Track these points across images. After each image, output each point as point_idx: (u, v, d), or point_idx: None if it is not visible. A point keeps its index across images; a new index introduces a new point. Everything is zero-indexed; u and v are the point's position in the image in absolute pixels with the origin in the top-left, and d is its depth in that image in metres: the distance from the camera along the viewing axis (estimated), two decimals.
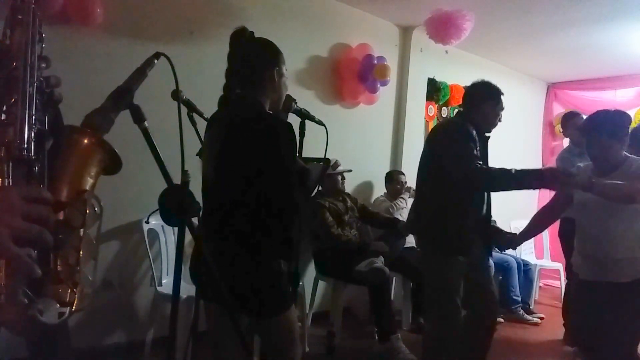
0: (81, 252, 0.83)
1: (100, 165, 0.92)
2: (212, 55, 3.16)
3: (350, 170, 3.82)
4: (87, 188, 0.88)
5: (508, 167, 2.32)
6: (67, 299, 0.79)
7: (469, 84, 2.71)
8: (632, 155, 2.29)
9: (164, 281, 3.01)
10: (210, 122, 1.80)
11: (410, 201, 4.30)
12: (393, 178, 4.30)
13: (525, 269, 4.75)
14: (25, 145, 0.72)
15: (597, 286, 2.27)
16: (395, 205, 4.11)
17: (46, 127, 0.78)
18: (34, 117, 0.74)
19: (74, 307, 0.80)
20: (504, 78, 5.48)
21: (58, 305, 0.76)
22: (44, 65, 0.80)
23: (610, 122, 2.24)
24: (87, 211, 0.86)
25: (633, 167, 2.22)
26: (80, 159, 0.90)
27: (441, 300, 2.50)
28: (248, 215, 1.63)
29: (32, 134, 0.73)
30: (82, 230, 0.84)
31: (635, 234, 2.22)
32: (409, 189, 4.25)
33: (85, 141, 0.91)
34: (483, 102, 2.57)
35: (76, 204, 0.84)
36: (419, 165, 2.66)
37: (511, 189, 2.43)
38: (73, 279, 0.81)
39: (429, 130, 4.91)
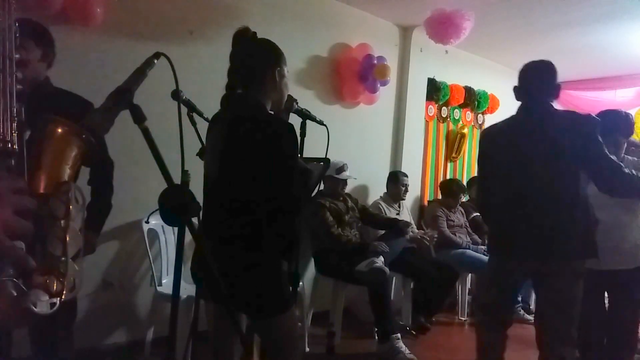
0: (67, 242, 0.83)
1: (78, 156, 0.91)
2: (212, 55, 3.16)
3: (354, 178, 3.82)
4: (67, 179, 0.88)
5: None
6: (55, 289, 0.80)
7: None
8: None
9: (164, 281, 3.01)
10: (213, 122, 1.81)
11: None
12: (396, 179, 4.25)
13: None
14: (9, 138, 0.71)
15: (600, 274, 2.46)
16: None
17: (23, 118, 0.77)
18: (14, 108, 0.73)
19: (62, 297, 0.80)
20: (504, 78, 5.49)
21: (48, 296, 0.77)
22: (17, 56, 0.78)
23: None
24: (70, 202, 0.85)
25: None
26: (58, 150, 0.89)
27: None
28: (250, 215, 1.63)
29: (14, 126, 0.73)
30: (65, 221, 0.84)
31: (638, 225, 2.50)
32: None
33: (63, 131, 0.91)
34: None
35: (58, 195, 0.84)
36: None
37: None
38: (59, 270, 0.81)
39: (429, 130, 4.95)
